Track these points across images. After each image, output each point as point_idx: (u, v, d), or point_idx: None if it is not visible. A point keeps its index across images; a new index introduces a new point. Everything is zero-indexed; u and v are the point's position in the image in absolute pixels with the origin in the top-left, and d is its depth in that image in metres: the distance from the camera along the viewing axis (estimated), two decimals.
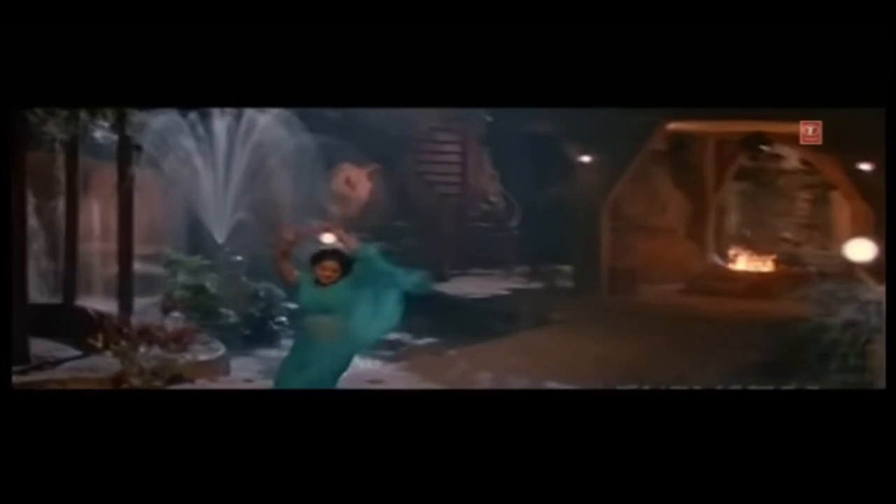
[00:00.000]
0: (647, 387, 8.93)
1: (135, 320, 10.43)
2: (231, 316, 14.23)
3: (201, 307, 13.97)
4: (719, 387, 8.96)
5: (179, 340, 9.32)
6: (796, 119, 14.99)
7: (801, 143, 15.25)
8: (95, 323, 10.12)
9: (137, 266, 14.55)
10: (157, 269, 15.01)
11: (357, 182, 7.28)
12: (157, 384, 8.61)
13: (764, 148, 19.36)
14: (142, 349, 8.89)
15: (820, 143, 15.72)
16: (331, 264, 7.06)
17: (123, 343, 8.75)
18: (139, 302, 13.78)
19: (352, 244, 7.20)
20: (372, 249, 7.21)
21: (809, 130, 14.68)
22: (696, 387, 9.13)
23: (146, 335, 9.07)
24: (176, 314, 11.23)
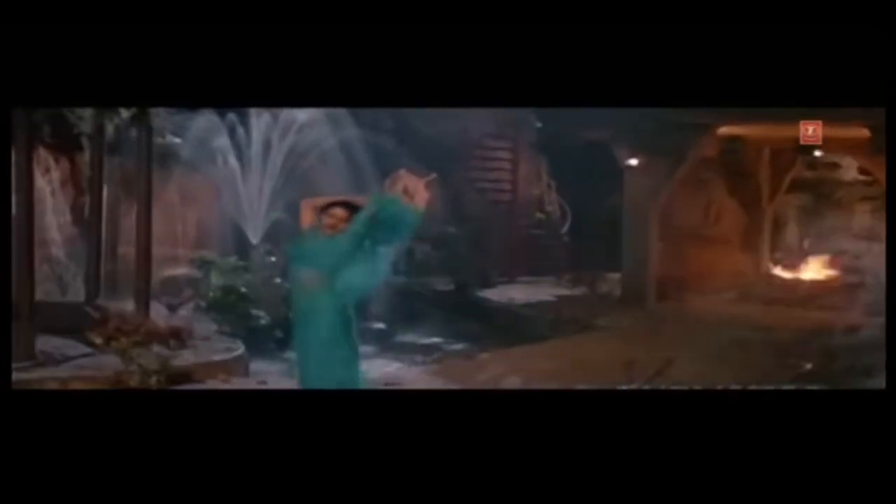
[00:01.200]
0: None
1: (133, 317, 10.30)
2: (263, 317, 14.10)
3: (233, 308, 13.90)
4: (719, 387, 8.76)
5: (177, 337, 9.14)
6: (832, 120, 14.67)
7: (802, 143, 14.88)
8: (97, 320, 10.00)
9: (176, 269, 14.69)
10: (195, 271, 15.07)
11: (415, 192, 7.03)
12: (155, 381, 8.39)
13: (818, 154, 18.88)
14: (139, 347, 8.70)
15: (820, 142, 15.32)
16: (339, 212, 6.52)
17: (123, 340, 8.59)
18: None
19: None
20: (387, 195, 6.49)
21: (809, 130, 14.32)
22: (697, 387, 8.85)
23: (142, 332, 8.90)
24: (183, 312, 11.09)
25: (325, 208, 6.60)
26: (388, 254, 6.58)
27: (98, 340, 8.76)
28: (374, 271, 6.59)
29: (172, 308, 10.10)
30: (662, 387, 8.73)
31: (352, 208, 6.56)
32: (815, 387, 9.68)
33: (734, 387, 8.70)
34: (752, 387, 9.37)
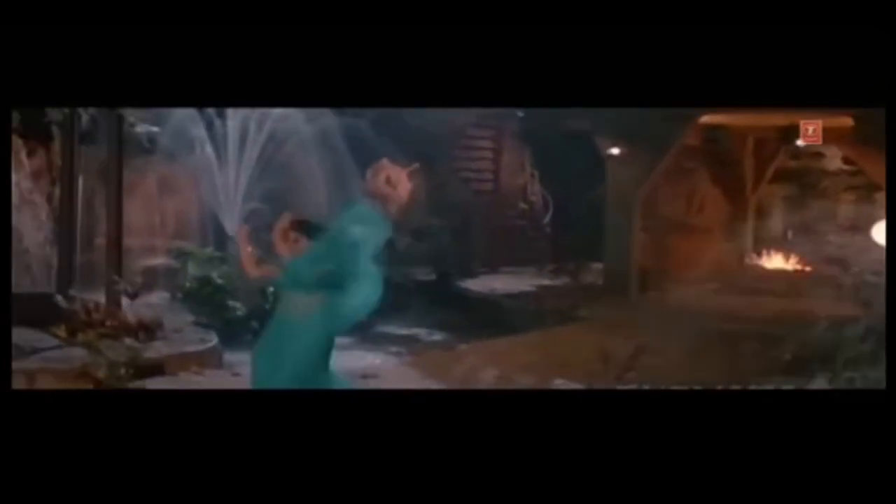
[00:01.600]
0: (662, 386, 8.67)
1: (99, 309, 10.14)
2: (239, 308, 13.93)
3: (209, 300, 13.75)
4: (719, 387, 8.67)
5: (146, 329, 8.99)
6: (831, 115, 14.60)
7: (802, 142, 14.83)
8: (65, 312, 9.82)
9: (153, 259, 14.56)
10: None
11: (398, 182, 6.91)
12: (125, 373, 8.23)
13: (800, 143, 18.79)
14: (107, 339, 8.53)
15: (820, 142, 15.28)
16: (292, 235, 6.70)
17: (90, 332, 8.43)
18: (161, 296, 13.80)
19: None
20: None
21: (809, 130, 14.29)
22: (697, 387, 8.77)
23: (109, 324, 8.73)
24: (153, 299, 10.97)
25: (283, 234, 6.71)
26: (377, 257, 6.49)
27: (63, 333, 8.58)
28: (368, 285, 6.51)
29: (131, 296, 9.94)
30: (662, 386, 8.62)
31: (300, 226, 6.75)
32: (813, 384, 9.58)
33: (734, 386, 8.60)
34: (737, 381, 9.31)
